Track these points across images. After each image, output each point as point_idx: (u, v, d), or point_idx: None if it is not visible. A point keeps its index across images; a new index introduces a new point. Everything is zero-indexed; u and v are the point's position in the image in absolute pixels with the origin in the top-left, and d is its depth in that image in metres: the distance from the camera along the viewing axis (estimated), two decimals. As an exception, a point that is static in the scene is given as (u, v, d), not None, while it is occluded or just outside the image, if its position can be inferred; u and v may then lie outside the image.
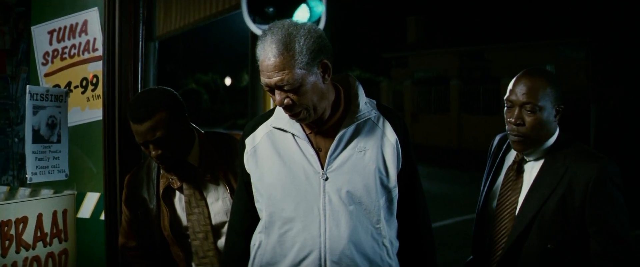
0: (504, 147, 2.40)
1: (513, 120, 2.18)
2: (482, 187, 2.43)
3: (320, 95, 1.93)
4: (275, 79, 1.86)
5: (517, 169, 2.28)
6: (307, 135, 2.01)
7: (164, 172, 2.42)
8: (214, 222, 2.38)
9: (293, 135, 2.02)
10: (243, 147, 2.13)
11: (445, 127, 20.94)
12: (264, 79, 1.89)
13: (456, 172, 14.12)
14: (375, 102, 2.12)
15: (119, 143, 2.92)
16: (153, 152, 2.27)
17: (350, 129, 2.00)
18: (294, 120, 1.99)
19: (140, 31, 2.98)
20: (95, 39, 3.09)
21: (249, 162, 2.09)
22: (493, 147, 2.48)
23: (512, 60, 19.26)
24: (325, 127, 2.02)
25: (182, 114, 2.34)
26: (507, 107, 2.23)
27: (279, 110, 2.03)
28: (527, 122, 2.16)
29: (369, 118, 2.03)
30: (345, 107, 2.03)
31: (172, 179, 2.40)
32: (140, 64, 2.98)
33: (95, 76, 3.08)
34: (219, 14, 8.51)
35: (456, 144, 20.19)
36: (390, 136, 2.03)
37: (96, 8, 3.07)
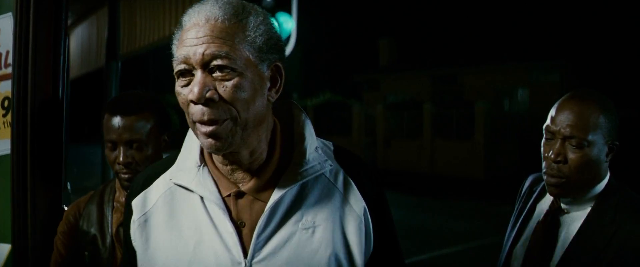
0: (537, 190, 1.86)
1: (552, 155, 1.65)
2: (505, 241, 1.89)
3: (256, 112, 1.20)
4: (210, 50, 1.14)
5: (551, 223, 1.73)
6: (223, 199, 1.27)
7: (119, 205, 2.01)
8: None
9: (201, 198, 1.28)
10: (129, 213, 1.37)
11: (418, 152, 20.62)
12: (182, 52, 1.17)
13: (430, 201, 13.63)
14: (332, 145, 1.38)
15: (31, 182, 2.31)
16: (122, 157, 1.91)
17: (291, 192, 1.26)
18: (204, 174, 1.29)
19: (62, 42, 2.38)
20: (7, 52, 2.48)
21: (136, 237, 1.34)
22: (523, 190, 1.94)
23: (485, 83, 19.21)
24: (252, 185, 1.27)
25: (163, 130, 2.00)
26: (546, 138, 1.70)
27: (185, 156, 1.35)
28: (570, 160, 1.64)
29: (322, 174, 1.30)
30: (283, 154, 1.30)
31: None
32: (61, 82, 2.38)
33: (7, 98, 2.47)
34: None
35: (429, 169, 19.85)
36: (355, 202, 1.30)
37: (10, 14, 2.46)
